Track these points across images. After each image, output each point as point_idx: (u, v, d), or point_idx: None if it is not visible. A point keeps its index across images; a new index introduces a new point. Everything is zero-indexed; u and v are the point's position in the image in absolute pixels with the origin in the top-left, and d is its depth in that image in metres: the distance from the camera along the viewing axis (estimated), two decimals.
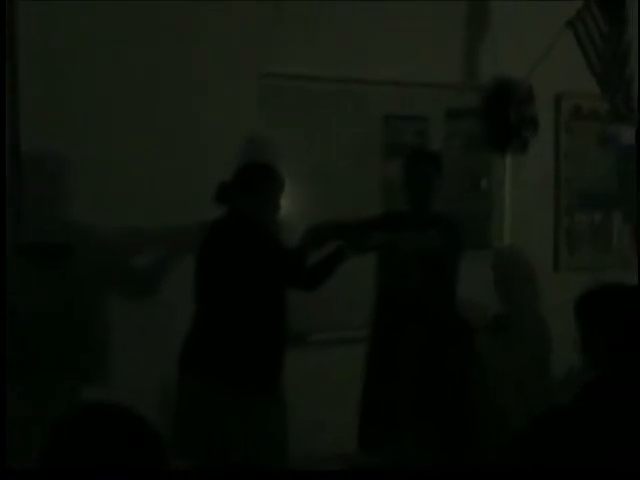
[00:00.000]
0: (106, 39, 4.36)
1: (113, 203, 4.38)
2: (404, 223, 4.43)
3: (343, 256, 4.05)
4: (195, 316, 3.98)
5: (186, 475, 3.66)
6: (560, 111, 5.71)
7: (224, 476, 3.71)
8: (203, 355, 3.91)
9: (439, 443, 4.30)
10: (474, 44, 5.41)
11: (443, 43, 5.26)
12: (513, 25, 5.36)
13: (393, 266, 4.43)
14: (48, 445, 1.75)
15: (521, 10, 5.37)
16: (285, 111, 4.84)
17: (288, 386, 4.62)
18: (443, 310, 4.38)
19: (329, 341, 4.93)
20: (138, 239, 4.47)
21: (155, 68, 4.48)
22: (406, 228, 4.37)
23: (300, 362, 4.74)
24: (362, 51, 4.96)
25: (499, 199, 5.53)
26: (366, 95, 5.05)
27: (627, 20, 5.04)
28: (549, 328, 5.44)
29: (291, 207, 4.84)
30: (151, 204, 4.45)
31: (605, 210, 5.94)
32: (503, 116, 5.33)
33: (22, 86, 4.15)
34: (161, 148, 4.50)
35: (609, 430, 2.27)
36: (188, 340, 3.97)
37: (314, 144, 4.92)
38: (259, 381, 3.89)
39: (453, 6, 5.30)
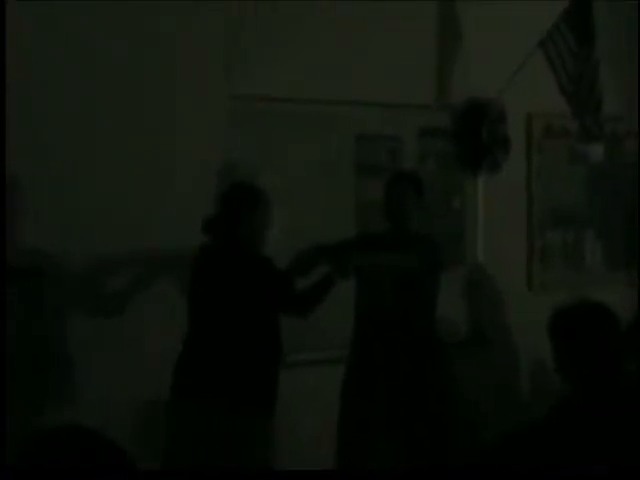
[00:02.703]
0: (71, 63, 4.36)
1: (85, 225, 4.37)
2: (384, 244, 4.43)
3: (332, 282, 4.07)
4: (190, 341, 3.97)
5: (185, 475, 3.65)
6: (531, 130, 5.75)
7: (227, 476, 3.70)
8: (201, 380, 3.87)
9: (415, 456, 4.31)
10: (446, 64, 5.44)
11: (415, 63, 5.28)
12: (485, 45, 5.40)
13: (372, 286, 4.44)
14: (20, 464, 1.75)
15: (493, 30, 5.42)
16: (257, 132, 4.83)
17: None
18: (421, 328, 4.38)
19: (306, 361, 4.91)
20: (110, 261, 4.44)
21: (126, 89, 4.48)
22: (386, 249, 4.38)
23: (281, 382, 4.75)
24: (334, 71, 4.98)
25: (472, 218, 5.55)
26: (338, 115, 5.06)
27: (595, 40, 5.08)
28: (522, 344, 5.47)
29: None
30: (123, 225, 4.43)
31: (577, 227, 5.97)
32: (475, 136, 5.36)
33: None
34: (133, 169, 4.48)
35: (582, 445, 2.29)
36: (183, 365, 3.95)
37: (286, 165, 4.92)
38: (257, 404, 3.89)
39: (425, 26, 5.34)
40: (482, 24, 5.41)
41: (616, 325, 2.89)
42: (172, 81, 4.59)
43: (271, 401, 3.96)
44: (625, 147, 6.12)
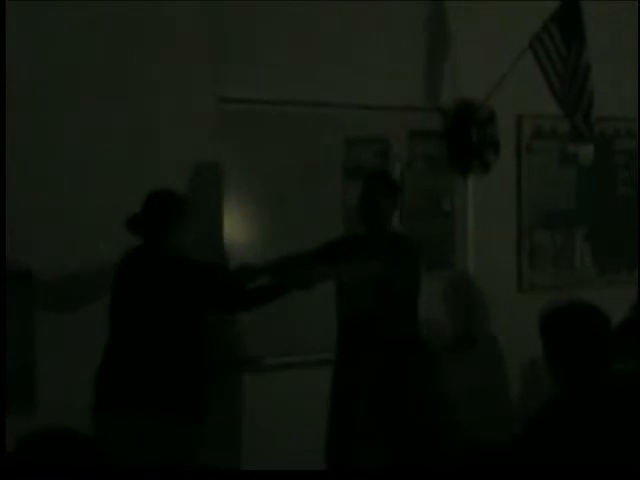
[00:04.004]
0: (59, 64, 4.35)
1: (74, 229, 4.35)
2: (361, 245, 4.43)
3: (281, 290, 4.04)
4: (112, 347, 3.91)
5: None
6: (521, 131, 5.75)
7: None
8: (127, 388, 3.81)
9: (400, 458, 4.31)
10: (435, 66, 5.43)
11: (404, 65, 5.28)
12: (474, 46, 5.40)
13: (349, 290, 4.43)
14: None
15: (482, 32, 5.42)
16: (245, 135, 4.82)
17: (245, 409, 4.65)
18: (399, 331, 4.36)
19: (285, 364, 4.90)
20: (98, 265, 4.40)
21: (113, 90, 4.46)
22: (363, 250, 4.36)
23: (256, 385, 4.73)
24: (322, 74, 4.97)
25: (462, 220, 5.55)
26: (327, 118, 5.04)
27: (585, 41, 5.09)
28: (512, 345, 5.46)
29: (251, 229, 4.83)
30: (113, 229, 4.40)
31: (567, 228, 5.97)
32: (465, 137, 5.36)
33: None
34: (117, 171, 4.47)
35: (572, 446, 2.28)
36: (107, 374, 3.89)
37: (274, 167, 4.90)
38: (184, 409, 3.82)
39: (414, 28, 5.33)
40: (472, 26, 5.42)
41: (606, 325, 2.89)
42: (160, 83, 4.58)
43: (197, 407, 3.89)
44: (615, 148, 6.13)
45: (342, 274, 4.28)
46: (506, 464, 1.91)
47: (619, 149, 6.15)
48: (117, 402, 3.82)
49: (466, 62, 5.40)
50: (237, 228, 4.79)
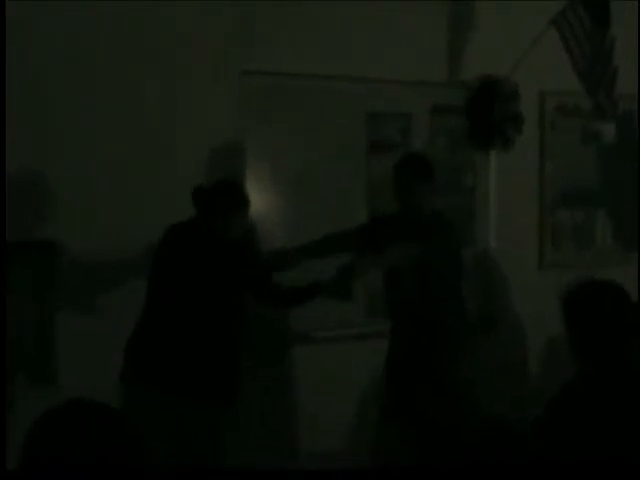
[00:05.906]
0: (83, 42, 4.34)
1: (100, 202, 4.37)
2: (395, 226, 4.40)
3: (316, 293, 4.11)
4: (146, 323, 3.93)
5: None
6: (544, 108, 5.72)
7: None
8: (157, 364, 3.85)
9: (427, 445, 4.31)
10: (459, 41, 5.41)
11: (428, 40, 5.26)
12: (498, 22, 5.37)
13: (393, 274, 4.44)
14: (32, 443, 1.75)
15: (506, 7, 5.38)
16: (268, 109, 4.81)
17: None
18: (434, 313, 4.33)
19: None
20: (127, 241, 4.41)
21: (136, 67, 4.46)
22: (397, 231, 4.35)
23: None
24: (346, 48, 4.96)
25: (483, 196, 5.54)
26: (350, 92, 5.04)
27: (610, 19, 5.04)
28: (532, 324, 5.47)
29: (275, 206, 4.83)
30: (135, 203, 4.43)
31: (589, 206, 5.95)
32: (487, 113, 5.34)
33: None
34: (144, 147, 4.47)
35: (594, 426, 2.28)
36: (138, 349, 3.93)
37: (297, 142, 4.90)
38: (216, 390, 3.87)
39: (438, 4, 5.30)
40: (495, 2, 5.38)
41: (627, 302, 2.88)
42: (185, 58, 4.58)
43: (233, 388, 3.94)
44: (638, 126, 6.09)
45: (383, 263, 4.30)
46: (527, 452, 1.91)
47: None
48: (148, 374, 3.85)
49: (490, 37, 5.37)
50: (259, 205, 4.78)
